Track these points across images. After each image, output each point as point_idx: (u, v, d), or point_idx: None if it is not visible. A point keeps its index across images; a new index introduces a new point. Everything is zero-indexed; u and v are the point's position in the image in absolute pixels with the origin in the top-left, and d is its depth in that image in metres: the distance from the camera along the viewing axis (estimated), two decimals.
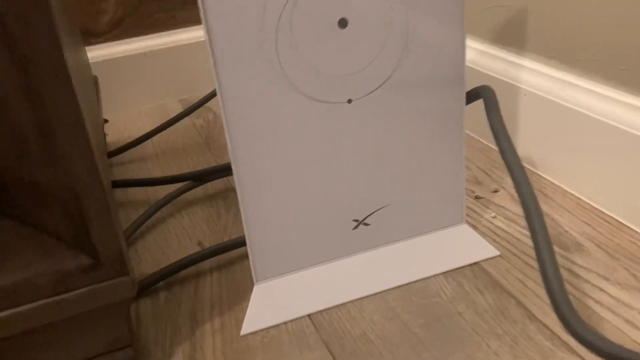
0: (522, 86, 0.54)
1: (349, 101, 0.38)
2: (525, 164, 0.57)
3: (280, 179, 0.38)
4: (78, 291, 0.31)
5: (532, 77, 0.54)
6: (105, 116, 0.78)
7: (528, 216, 0.32)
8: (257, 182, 0.38)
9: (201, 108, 0.78)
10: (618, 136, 0.45)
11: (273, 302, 0.33)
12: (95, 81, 0.69)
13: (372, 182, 0.41)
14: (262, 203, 0.38)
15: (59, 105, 0.27)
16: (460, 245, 0.45)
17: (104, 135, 0.71)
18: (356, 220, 0.42)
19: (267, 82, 0.36)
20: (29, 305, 0.30)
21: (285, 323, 0.39)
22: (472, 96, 0.41)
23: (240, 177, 0.38)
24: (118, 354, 0.35)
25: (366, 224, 0.43)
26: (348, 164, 0.40)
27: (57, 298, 0.31)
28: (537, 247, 0.30)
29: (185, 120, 0.76)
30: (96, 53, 0.79)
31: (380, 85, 0.38)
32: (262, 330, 0.39)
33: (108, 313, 0.33)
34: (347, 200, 0.41)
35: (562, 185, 0.52)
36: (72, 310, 0.31)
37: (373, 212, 0.42)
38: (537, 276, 0.42)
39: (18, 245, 0.30)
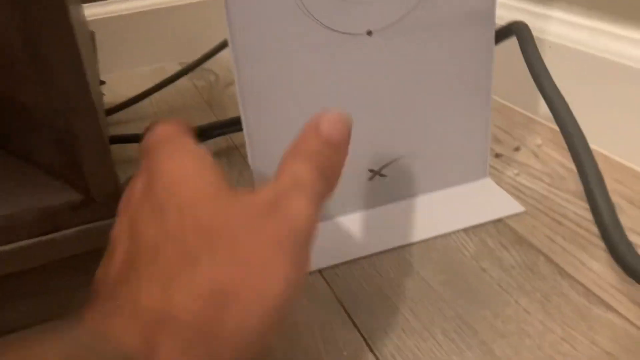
0: (546, 38, 0.51)
1: (369, 33, 0.34)
2: (550, 123, 0.54)
3: (290, 118, 0.35)
4: (67, 231, 0.28)
5: (557, 27, 0.50)
6: (102, 78, 0.75)
7: (570, 140, 0.29)
8: (265, 123, 0.35)
9: (202, 70, 0.74)
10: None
11: None
12: (92, 36, 0.65)
13: (389, 128, 0.38)
14: (271, 147, 0.35)
15: (49, 20, 0.24)
16: (483, 201, 0.41)
17: (102, 94, 0.67)
18: (372, 171, 0.39)
19: (279, 7, 0.32)
20: (11, 246, 0.27)
21: None
22: (502, 34, 0.38)
23: (248, 118, 0.34)
24: None
25: (382, 175, 0.39)
26: (364, 105, 0.36)
27: (44, 238, 0.27)
28: (583, 173, 0.27)
29: (186, 82, 0.72)
30: (93, 11, 0.75)
31: (404, 17, 0.34)
32: None
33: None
34: (362, 147, 0.37)
35: (590, 145, 0.49)
36: (61, 252, 0.28)
37: (390, 163, 0.39)
38: (567, 232, 0.38)
39: (2, 177, 0.27)
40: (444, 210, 0.40)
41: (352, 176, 0.38)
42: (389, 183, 0.40)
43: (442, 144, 0.40)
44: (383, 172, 0.39)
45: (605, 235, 0.28)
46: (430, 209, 0.40)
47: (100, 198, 0.28)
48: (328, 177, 0.26)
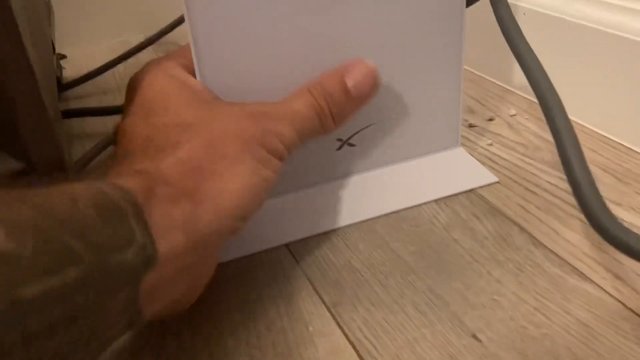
0: (520, 4, 0.49)
1: None
2: (524, 94, 0.52)
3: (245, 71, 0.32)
4: None
5: None
6: (63, 52, 0.71)
7: (545, 104, 0.27)
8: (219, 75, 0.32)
9: (168, 44, 0.72)
10: (629, 49, 0.40)
11: (246, 230, 0.29)
12: (48, 7, 0.62)
13: None
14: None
15: None
16: (455, 171, 0.40)
17: (59, 66, 0.64)
18: (340, 140, 0.37)
19: None
20: None
21: (260, 253, 0.35)
22: None
23: (200, 58, 0.31)
24: None
25: (351, 145, 0.38)
26: (329, 69, 0.34)
27: None
28: (560, 140, 0.26)
29: (150, 54, 0.69)
30: None
31: None
32: (233, 260, 0.34)
33: None
34: None
35: None
36: None
37: (359, 131, 0.37)
38: (541, 202, 0.37)
39: None
40: (415, 181, 0.39)
41: (319, 145, 0.37)
42: (359, 152, 0.38)
43: (412, 111, 0.38)
44: (352, 141, 0.37)
45: (584, 204, 0.27)
46: (401, 179, 0.39)
47: (42, 167, 0.25)
48: (324, 121, 0.30)
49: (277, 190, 0.36)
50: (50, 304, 0.16)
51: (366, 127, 0.37)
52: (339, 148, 0.37)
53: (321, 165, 0.37)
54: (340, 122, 0.31)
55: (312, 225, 0.36)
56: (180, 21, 0.65)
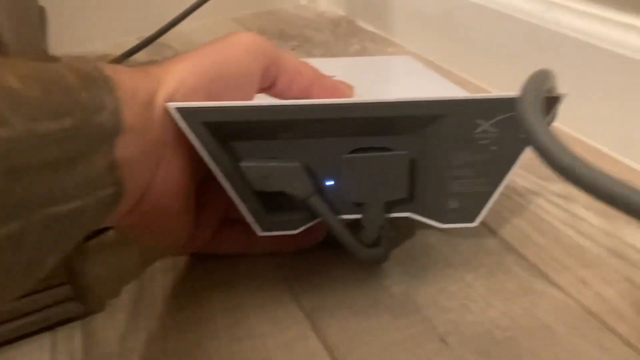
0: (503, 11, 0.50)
1: None
2: None
3: None
4: None
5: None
6: (57, 54, 0.72)
7: None
8: None
9: (161, 46, 0.73)
10: (607, 59, 0.42)
11: None
12: (41, 11, 0.63)
13: None
14: None
15: None
16: None
17: None
18: None
19: None
20: None
21: (243, 260, 0.36)
22: None
23: None
24: (57, 290, 0.31)
25: None
26: None
27: None
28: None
29: (143, 57, 0.70)
30: None
31: None
32: (218, 267, 0.35)
33: None
34: None
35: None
36: None
37: None
38: (515, 206, 0.39)
39: None
40: None
41: None
42: None
43: None
44: None
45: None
46: None
47: None
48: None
49: None
50: (55, 143, 0.20)
51: None
52: None
53: None
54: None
55: None
56: (171, 24, 0.66)
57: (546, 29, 0.46)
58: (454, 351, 0.29)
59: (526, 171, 0.42)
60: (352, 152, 0.30)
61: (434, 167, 0.31)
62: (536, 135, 0.21)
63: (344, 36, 0.72)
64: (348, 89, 0.34)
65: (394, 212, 0.32)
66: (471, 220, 0.32)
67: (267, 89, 0.32)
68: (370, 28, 0.74)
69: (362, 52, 0.67)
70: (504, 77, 0.52)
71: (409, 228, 0.38)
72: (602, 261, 0.34)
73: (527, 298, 0.32)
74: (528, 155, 0.33)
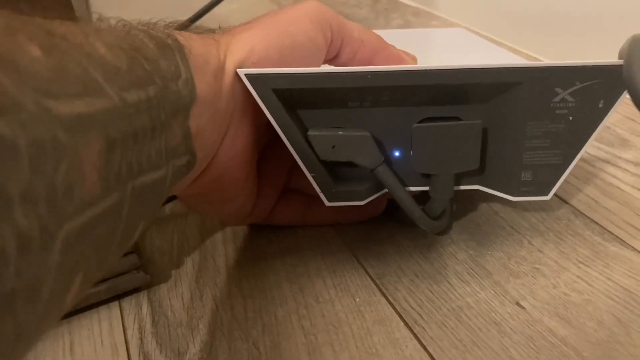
0: None
1: None
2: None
3: None
4: None
5: None
6: None
7: None
8: None
9: (196, 28, 0.73)
10: None
11: None
12: None
13: None
14: None
15: None
16: None
17: None
18: None
19: None
20: None
21: (304, 229, 0.36)
22: None
23: None
24: (125, 259, 0.31)
25: None
26: None
27: None
28: None
29: None
30: None
31: None
32: (278, 237, 0.35)
33: None
34: None
35: None
36: None
37: None
38: (580, 172, 0.38)
39: None
40: None
41: None
42: None
43: None
44: None
45: None
46: None
47: None
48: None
49: None
50: (142, 112, 0.19)
51: None
52: None
53: None
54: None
55: None
56: (208, 8, 0.65)
57: None
58: (531, 315, 0.28)
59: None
60: (421, 122, 0.29)
61: (507, 137, 0.30)
62: None
63: (385, 11, 0.71)
64: (412, 59, 0.33)
65: (463, 185, 0.32)
66: (545, 193, 0.31)
67: (331, 59, 0.32)
68: (411, 2, 0.73)
69: (405, 27, 0.66)
70: (553, 45, 0.51)
71: (470, 196, 0.37)
72: None
73: (601, 261, 0.31)
74: None
